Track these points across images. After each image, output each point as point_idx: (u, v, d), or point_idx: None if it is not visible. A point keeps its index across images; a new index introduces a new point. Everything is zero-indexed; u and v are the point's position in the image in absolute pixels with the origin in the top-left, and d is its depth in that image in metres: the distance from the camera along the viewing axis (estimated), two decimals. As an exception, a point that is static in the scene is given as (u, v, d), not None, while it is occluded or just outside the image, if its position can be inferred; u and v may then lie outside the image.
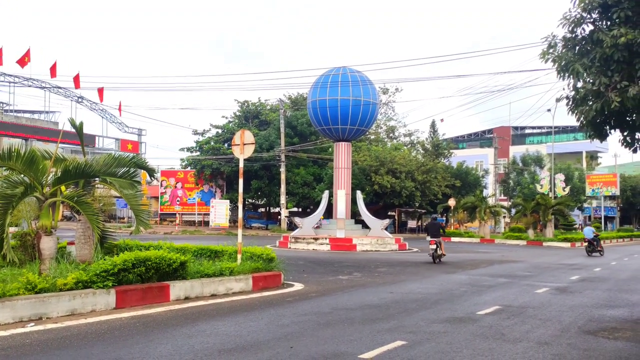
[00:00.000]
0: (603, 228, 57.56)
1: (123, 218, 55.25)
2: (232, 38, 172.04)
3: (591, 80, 7.95)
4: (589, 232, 26.89)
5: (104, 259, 8.86)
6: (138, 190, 10.96)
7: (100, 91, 42.18)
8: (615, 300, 11.00)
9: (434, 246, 18.96)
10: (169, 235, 35.48)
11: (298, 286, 11.61)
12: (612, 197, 60.21)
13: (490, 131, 72.15)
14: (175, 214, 52.82)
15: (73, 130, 11.61)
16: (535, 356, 6.18)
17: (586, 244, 26.35)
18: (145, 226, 10.50)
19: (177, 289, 9.24)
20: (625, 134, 8.98)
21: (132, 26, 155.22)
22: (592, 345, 6.85)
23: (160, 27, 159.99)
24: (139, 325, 7.22)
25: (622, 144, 9.13)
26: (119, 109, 46.75)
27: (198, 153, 52.04)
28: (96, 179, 10.79)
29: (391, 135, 63.25)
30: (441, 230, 20.11)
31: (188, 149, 53.37)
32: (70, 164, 9.54)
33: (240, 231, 12.26)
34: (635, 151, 9.20)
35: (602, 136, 9.10)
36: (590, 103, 8.05)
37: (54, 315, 7.46)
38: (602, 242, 32.16)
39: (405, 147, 57.30)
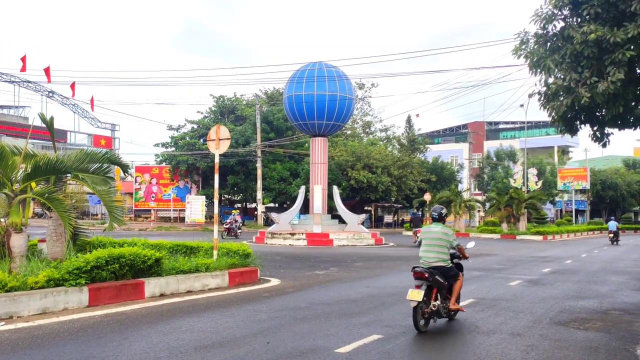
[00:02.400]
0: (574, 221, 58.80)
1: (96, 215, 54.41)
2: (206, 32, 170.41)
3: (562, 76, 8.09)
4: (613, 225, 32.78)
5: (77, 257, 8.72)
6: (111, 186, 10.80)
7: (72, 86, 41.22)
8: (585, 292, 11.26)
9: (420, 234, 25.81)
10: (143, 231, 34.98)
11: (275, 281, 11.60)
12: (582, 191, 61.46)
13: (465, 126, 72.98)
14: (150, 210, 52.21)
15: (44, 125, 11.37)
16: (508, 347, 6.29)
17: (611, 235, 32.21)
18: (119, 223, 10.37)
19: (152, 285, 9.14)
20: (595, 128, 9.18)
21: (104, 19, 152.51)
22: (563, 336, 7.00)
23: (133, 20, 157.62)
24: (112, 323, 7.12)
25: (592, 138, 9.34)
26: (91, 104, 45.75)
27: (173, 148, 51.49)
28: (68, 175, 10.59)
29: (367, 130, 63.52)
30: (421, 222, 26.66)
31: (163, 145, 52.75)
32: (41, 159, 9.33)
33: (216, 227, 12.19)
34: (604, 146, 9.42)
35: (573, 131, 9.30)
36: (562, 99, 8.20)
37: (25, 314, 7.32)
38: (569, 234, 36.18)
39: (381, 142, 57.61)
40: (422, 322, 6.96)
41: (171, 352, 5.75)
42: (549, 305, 9.35)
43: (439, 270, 7.25)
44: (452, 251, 7.61)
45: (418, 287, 7.07)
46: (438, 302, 7.16)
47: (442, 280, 7.18)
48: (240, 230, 29.14)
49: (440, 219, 7.68)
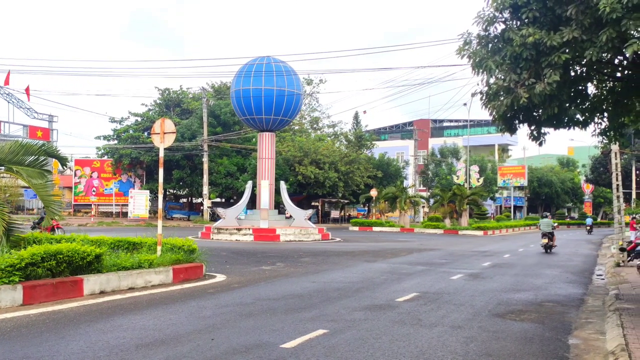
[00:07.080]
0: (512, 217, 61.10)
1: (32, 209, 52.07)
2: (153, 23, 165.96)
3: (502, 77, 8.36)
4: (589, 221, 43.92)
5: (10, 253, 8.33)
6: (48, 179, 10.41)
7: (7, 75, 39.13)
8: (522, 285, 11.74)
9: (540, 221, 29.18)
10: (83, 227, 33.86)
11: (220, 277, 11.48)
12: (520, 188, 63.93)
13: (410, 123, 74.30)
14: (91, 204, 50.49)
15: (-26, 115, 10.77)
16: (449, 339, 6.48)
17: (588, 227, 42.56)
18: (57, 218, 9.98)
19: (91, 283, 8.85)
20: (533, 128, 9.55)
21: (42, 5, 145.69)
22: (500, 327, 7.28)
23: (73, 7, 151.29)
24: (48, 321, 6.85)
25: (530, 137, 9.71)
26: (27, 94, 43.61)
27: (116, 142, 49.92)
28: (1, 167, 10.10)
29: (315, 126, 63.61)
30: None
31: (105, 137, 51.06)
32: (-29, 151, 8.85)
33: (160, 222, 11.92)
34: (541, 144, 9.82)
35: (512, 130, 9.63)
36: (502, 98, 8.46)
37: (-48, 315, 6.92)
38: (507, 229, 39.53)
39: (328, 138, 57.83)
40: (547, 250, 21.48)
41: (111, 350, 5.59)
42: (487, 298, 9.69)
43: (549, 232, 21.74)
44: (553, 226, 22.31)
45: (544, 238, 21.65)
46: (550, 242, 21.62)
47: (551, 236, 21.70)
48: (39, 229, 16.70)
49: (546, 216, 23.55)
